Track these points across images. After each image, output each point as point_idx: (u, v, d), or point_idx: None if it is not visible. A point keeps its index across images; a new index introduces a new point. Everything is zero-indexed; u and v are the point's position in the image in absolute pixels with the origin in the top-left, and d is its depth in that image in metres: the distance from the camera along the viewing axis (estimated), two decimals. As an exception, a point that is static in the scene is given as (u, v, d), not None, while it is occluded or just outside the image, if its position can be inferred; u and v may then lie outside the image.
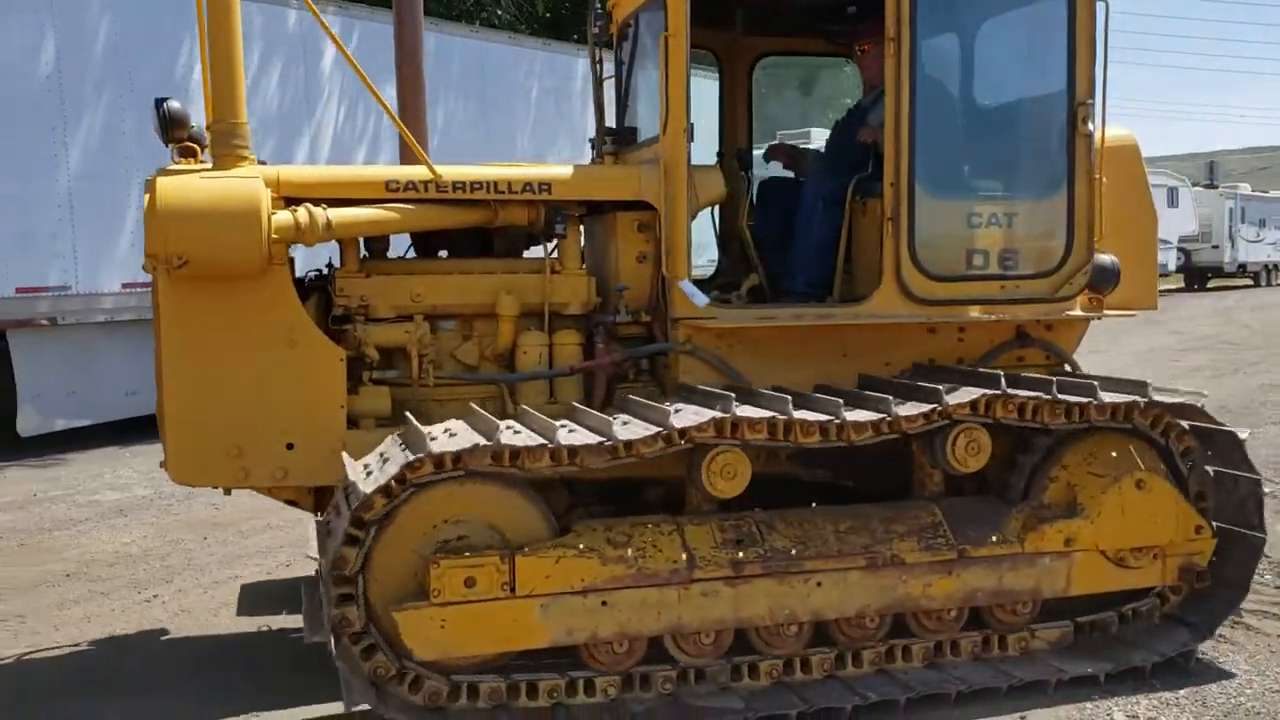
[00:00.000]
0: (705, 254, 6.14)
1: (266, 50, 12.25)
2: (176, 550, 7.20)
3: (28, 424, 10.36)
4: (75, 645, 5.45)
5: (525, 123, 15.07)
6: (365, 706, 3.97)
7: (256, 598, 6.02)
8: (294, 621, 5.33)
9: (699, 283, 5.85)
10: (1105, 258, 5.12)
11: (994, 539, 4.61)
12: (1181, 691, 4.55)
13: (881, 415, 4.39)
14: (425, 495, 4.09)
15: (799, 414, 4.32)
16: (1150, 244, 5.55)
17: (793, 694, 4.40)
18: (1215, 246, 37.67)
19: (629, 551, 4.26)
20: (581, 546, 4.22)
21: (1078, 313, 5.17)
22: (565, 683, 4.26)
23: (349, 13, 13.18)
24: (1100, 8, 4.90)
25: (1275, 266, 40.64)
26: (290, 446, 4.60)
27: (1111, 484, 4.68)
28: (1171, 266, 35.96)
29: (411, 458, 3.98)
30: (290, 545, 7.11)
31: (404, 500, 4.05)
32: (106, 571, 6.80)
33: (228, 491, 4.82)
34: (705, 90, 6.56)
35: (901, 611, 4.57)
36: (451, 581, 4.04)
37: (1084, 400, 4.55)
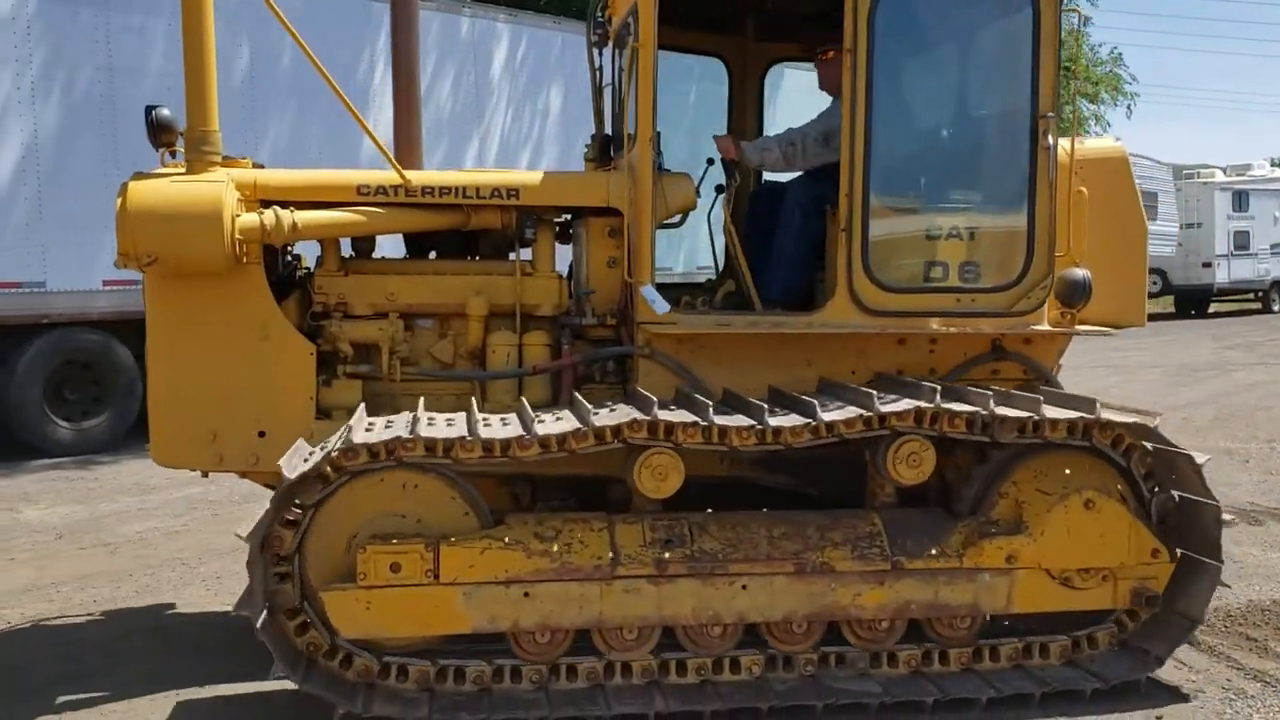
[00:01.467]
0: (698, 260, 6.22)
1: (441, 57, 12.90)
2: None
3: None
4: None
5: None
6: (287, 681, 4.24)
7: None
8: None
9: (695, 288, 6.00)
10: (1077, 272, 5.02)
11: (932, 552, 4.59)
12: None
13: (759, 426, 4.41)
14: (358, 483, 4.35)
15: (719, 419, 4.40)
16: (1139, 258, 5.39)
17: (982, 680, 4.62)
18: None
19: (554, 546, 4.43)
20: (507, 539, 4.41)
21: (1044, 327, 5.06)
22: (492, 669, 4.46)
23: (518, 20, 13.77)
24: (1071, 17, 4.80)
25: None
26: (262, 434, 4.92)
27: (1057, 502, 4.60)
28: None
29: (340, 447, 4.23)
30: None
31: (338, 486, 4.32)
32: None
33: (205, 474, 5.18)
34: (710, 96, 6.67)
35: (830, 619, 4.59)
36: (377, 566, 4.29)
37: (1025, 415, 4.48)
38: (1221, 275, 29.66)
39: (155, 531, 7.82)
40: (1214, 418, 12.07)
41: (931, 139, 5.24)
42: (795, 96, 6.75)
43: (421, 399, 4.87)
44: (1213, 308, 32.02)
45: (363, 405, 4.76)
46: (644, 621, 4.49)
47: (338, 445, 4.22)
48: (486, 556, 4.37)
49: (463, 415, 4.65)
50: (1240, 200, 30.06)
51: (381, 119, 12.11)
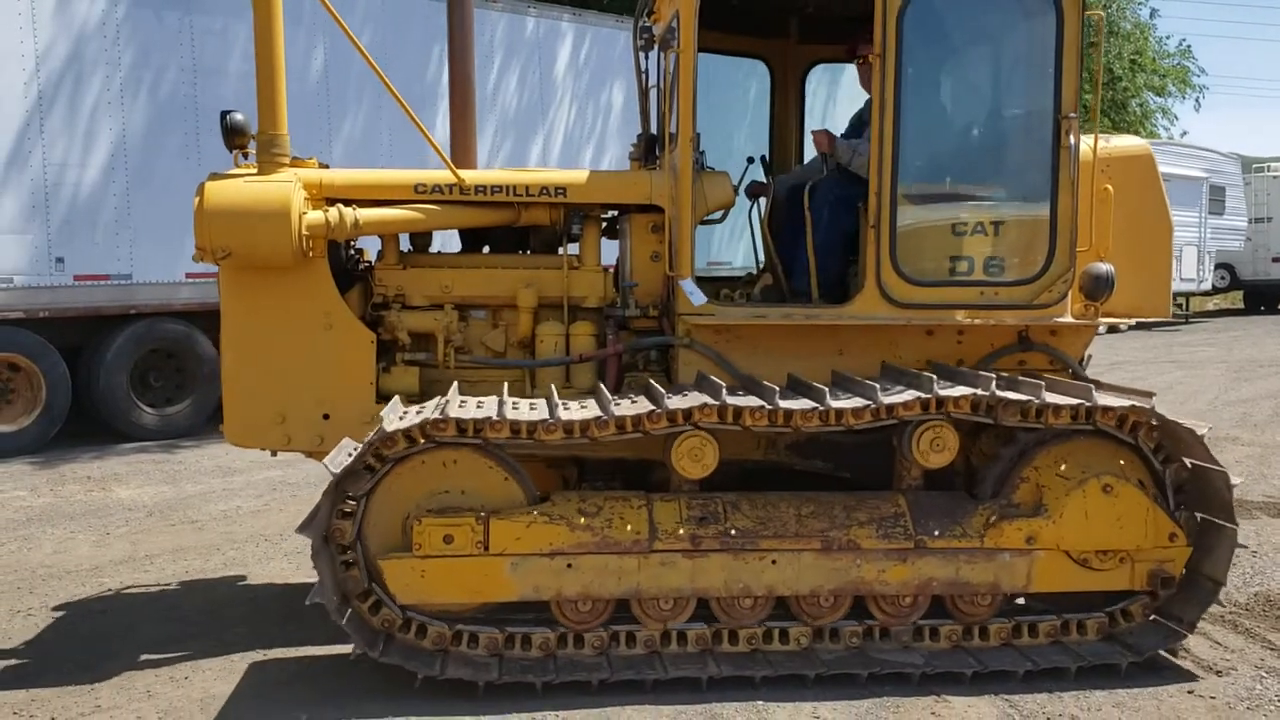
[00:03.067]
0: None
1: (507, 55, 13.34)
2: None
3: None
4: None
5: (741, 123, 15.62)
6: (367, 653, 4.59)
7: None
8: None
9: (736, 281, 6.27)
10: (1100, 266, 5.20)
11: (954, 532, 4.83)
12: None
13: (816, 406, 4.68)
14: (407, 465, 4.70)
15: (731, 400, 4.67)
16: (1164, 253, 5.54)
17: (1020, 655, 4.86)
18: None
19: (596, 521, 4.75)
20: (553, 514, 4.74)
21: (1067, 319, 5.25)
22: (556, 636, 4.79)
23: (582, 20, 14.15)
24: (1092, 20, 4.99)
25: None
26: (326, 417, 5.32)
27: (1076, 487, 4.80)
28: None
29: (374, 439, 4.56)
30: None
31: (386, 472, 4.67)
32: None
33: (274, 453, 5.58)
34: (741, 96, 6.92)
35: (855, 594, 4.85)
36: (432, 537, 4.64)
37: (1027, 399, 4.69)
38: None
39: (239, 510, 8.30)
40: (1273, 413, 12.03)
41: (957, 138, 5.44)
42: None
43: (455, 384, 5.18)
44: (1282, 304, 31.45)
45: (397, 398, 5.06)
46: (678, 593, 4.79)
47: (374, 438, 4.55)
48: (533, 530, 4.70)
49: (541, 401, 4.99)
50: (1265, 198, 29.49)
51: (449, 117, 12.63)
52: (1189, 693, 4.64)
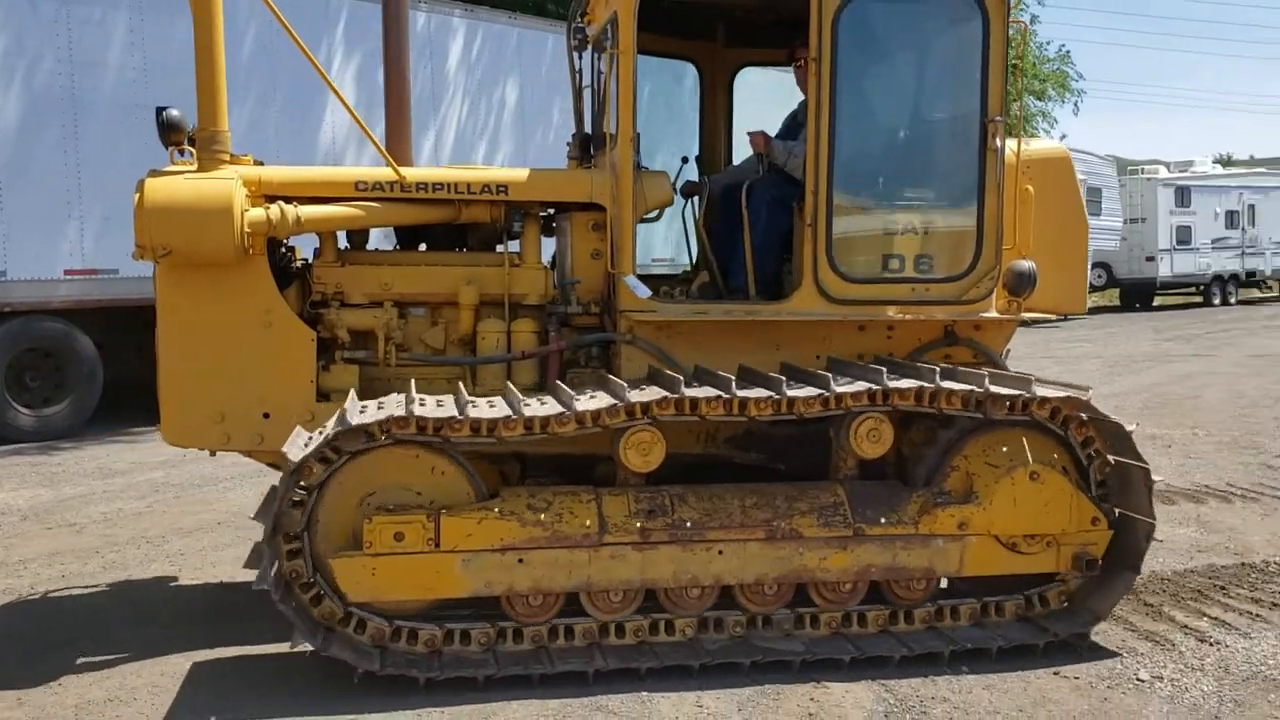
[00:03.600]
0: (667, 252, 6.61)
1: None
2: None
3: None
4: (230, 579, 6.33)
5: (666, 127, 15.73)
6: (308, 647, 4.58)
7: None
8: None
9: (671, 279, 6.38)
10: (1023, 263, 5.45)
11: (890, 520, 5.01)
12: (1208, 659, 4.95)
13: (773, 395, 4.83)
14: (361, 461, 4.69)
15: (690, 392, 4.79)
16: (1081, 251, 5.84)
17: (897, 641, 5.00)
18: None
19: (546, 516, 4.80)
20: (502, 510, 4.78)
21: (992, 314, 5.49)
22: (496, 631, 4.82)
23: (474, 15, 14.06)
24: (1015, 29, 5.22)
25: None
26: (266, 416, 5.26)
27: (1004, 474, 5.03)
28: (1268, 270, 34.90)
29: (338, 429, 4.57)
30: None
31: (341, 466, 4.66)
32: (251, 522, 7.47)
33: (213, 454, 5.50)
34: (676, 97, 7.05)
35: (798, 581, 5.00)
36: (382, 535, 4.64)
37: (970, 389, 4.91)
38: (1164, 269, 30.59)
39: (120, 513, 8.11)
40: (1144, 405, 12.64)
41: (890, 140, 5.65)
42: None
43: (412, 381, 5.19)
44: (1156, 301, 32.96)
45: (353, 393, 5.07)
46: (628, 585, 4.87)
47: (338, 429, 4.55)
48: (484, 526, 4.73)
49: (498, 398, 5.04)
50: (1182, 196, 30.99)
51: (338, 108, 12.43)
52: (1055, 674, 4.82)
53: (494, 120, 14.59)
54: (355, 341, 5.49)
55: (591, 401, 4.77)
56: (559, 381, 5.25)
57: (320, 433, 4.66)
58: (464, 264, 5.63)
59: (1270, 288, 35.48)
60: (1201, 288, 32.50)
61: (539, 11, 19.06)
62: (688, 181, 6.29)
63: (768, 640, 4.96)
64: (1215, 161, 41.35)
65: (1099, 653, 5.03)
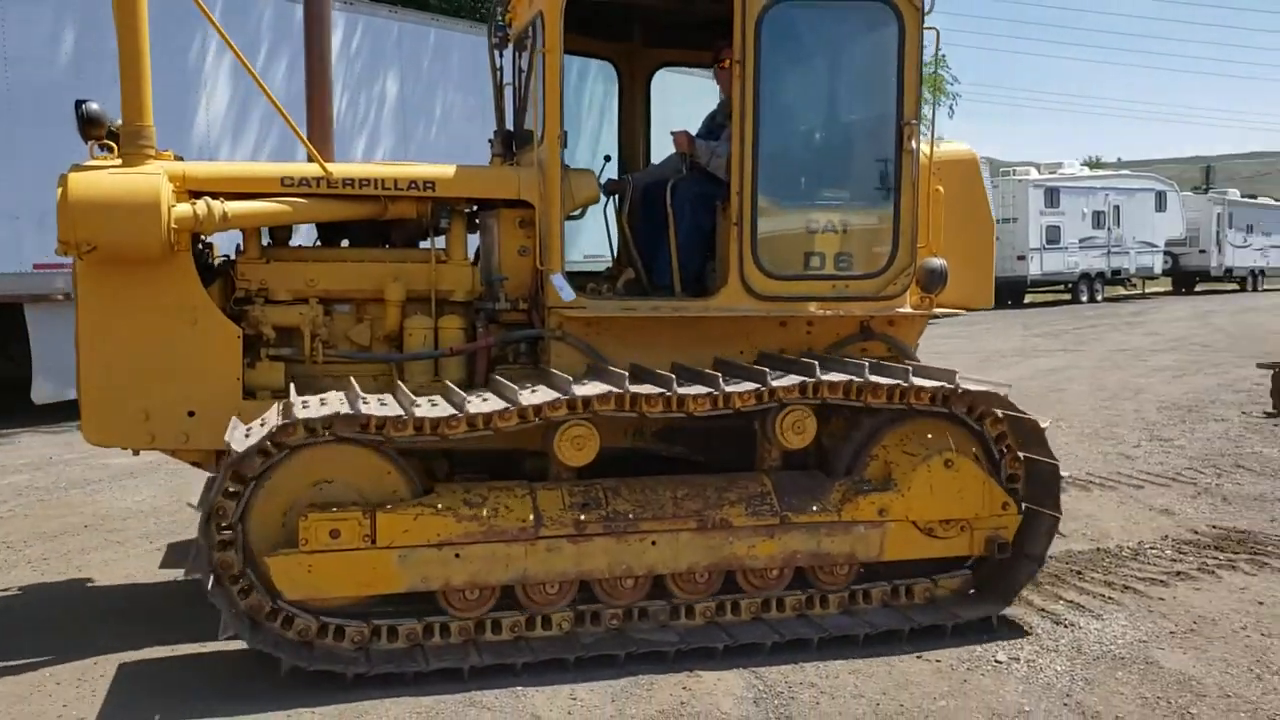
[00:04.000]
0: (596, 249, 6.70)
1: (275, 42, 12.91)
2: (185, 508, 7.74)
3: (42, 393, 11.02)
4: (94, 583, 6.18)
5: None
6: (236, 638, 4.55)
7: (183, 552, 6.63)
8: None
9: (593, 275, 6.46)
10: (935, 261, 5.69)
11: (814, 508, 5.19)
12: (1062, 640, 5.16)
13: (712, 391, 4.97)
14: (299, 456, 4.68)
15: (634, 388, 4.89)
16: (987, 250, 6.11)
17: (769, 628, 5.09)
18: (1203, 251, 38.26)
19: (482, 511, 4.85)
20: (439, 505, 4.81)
21: (907, 310, 5.73)
22: (423, 626, 4.85)
23: (354, 9, 13.84)
24: (930, 35, 5.45)
25: (1261, 272, 41.14)
26: (192, 414, 5.19)
27: (921, 462, 5.25)
28: (1159, 269, 36.61)
29: (283, 422, 4.57)
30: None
31: (279, 460, 4.64)
32: (120, 524, 7.46)
33: (136, 453, 5.40)
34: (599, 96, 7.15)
35: (728, 569, 5.14)
36: (318, 532, 4.64)
37: (894, 384, 5.11)
38: (1034, 268, 31.80)
39: None
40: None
41: (810, 141, 5.83)
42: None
43: (352, 379, 5.19)
44: (1027, 298, 34.22)
45: (292, 386, 5.07)
46: (564, 576, 4.95)
47: (282, 422, 4.55)
48: (420, 522, 4.76)
49: (437, 396, 5.06)
50: (1052, 197, 32.25)
51: (213, 101, 12.18)
52: (918, 657, 4.98)
53: (374, 114, 14.42)
54: (281, 338, 5.45)
55: (535, 396, 4.83)
56: (498, 376, 5.29)
57: (262, 423, 4.63)
58: (391, 260, 5.63)
59: (1134, 285, 37.13)
60: (1070, 285, 33.85)
61: (422, 6, 18.91)
62: (609, 180, 6.38)
63: (643, 632, 5.02)
64: (1084, 164, 43.11)
65: (962, 637, 5.17)
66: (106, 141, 5.09)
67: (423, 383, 5.51)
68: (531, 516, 4.90)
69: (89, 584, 6.17)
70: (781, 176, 5.58)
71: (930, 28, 5.42)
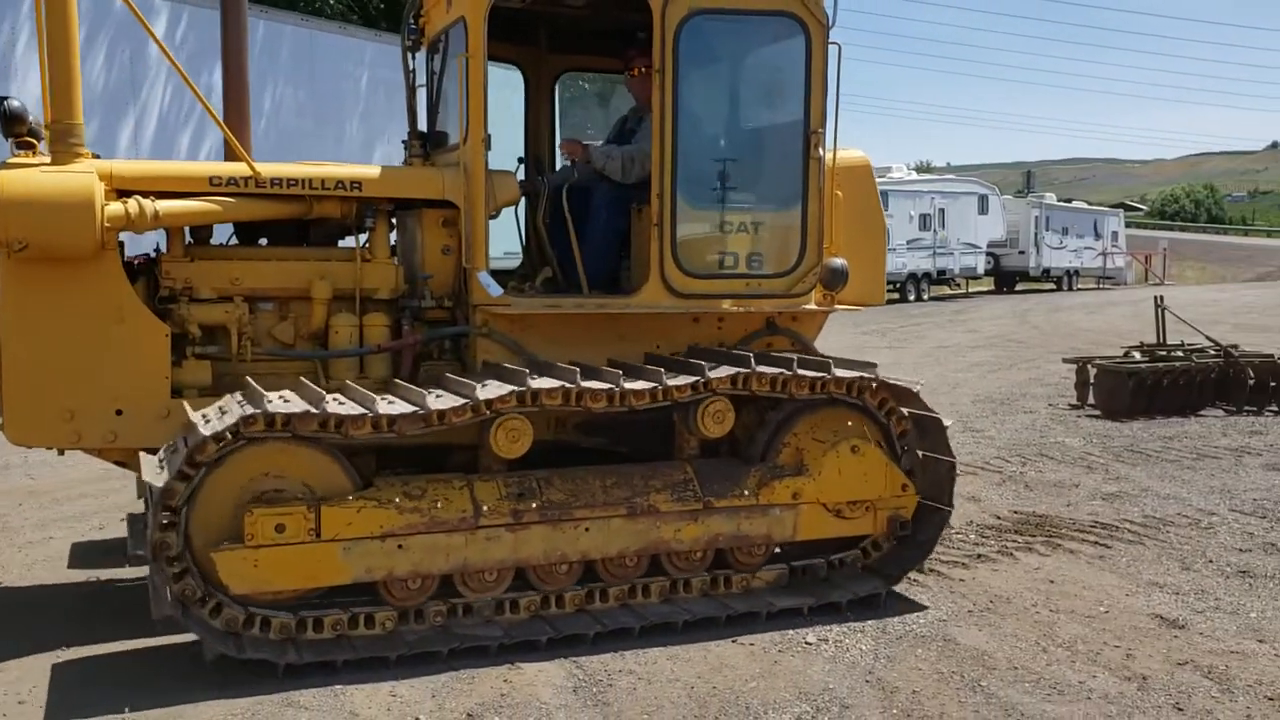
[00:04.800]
0: (505, 248, 6.88)
1: (91, 31, 12.43)
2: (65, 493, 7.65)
3: None
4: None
5: (354, 112, 15.55)
6: (168, 614, 4.54)
7: (87, 553, 6.52)
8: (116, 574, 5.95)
9: (505, 274, 6.64)
10: (836, 261, 6.09)
11: (734, 492, 5.51)
12: (869, 622, 5.46)
13: (655, 385, 5.24)
14: (251, 449, 4.73)
15: (587, 384, 5.14)
16: (879, 250, 6.56)
17: (592, 619, 5.21)
18: (1022, 252, 40.26)
19: (423, 503, 4.99)
20: (380, 498, 4.93)
21: (812, 306, 6.12)
22: (348, 617, 4.93)
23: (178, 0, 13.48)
24: (833, 50, 5.83)
25: (1075, 272, 43.61)
26: (119, 413, 5.16)
27: (830, 449, 5.63)
28: (981, 270, 38.49)
29: (251, 412, 4.61)
30: (103, 511, 7.55)
31: (234, 449, 4.68)
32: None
33: (61, 452, 5.33)
34: (508, 100, 7.31)
35: (656, 552, 5.41)
36: (264, 527, 4.70)
37: (819, 376, 5.49)
38: None
39: None
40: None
41: (726, 148, 6.14)
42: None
43: (301, 378, 5.23)
44: (858, 297, 35.42)
45: (249, 379, 5.08)
46: (502, 564, 5.14)
47: (249, 411, 4.60)
48: (363, 515, 4.87)
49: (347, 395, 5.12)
50: (882, 200, 33.55)
51: (25, 89, 11.79)
52: (733, 642, 5.17)
53: (199, 108, 14.13)
54: (206, 337, 5.45)
55: (496, 388, 5.01)
56: (448, 374, 5.43)
57: (225, 412, 4.67)
58: (316, 259, 5.69)
59: (958, 285, 38.96)
60: (898, 285, 35.33)
61: None
62: (522, 181, 6.57)
63: (467, 628, 5.07)
64: (914, 169, 45.00)
65: (776, 622, 5.38)
66: (28, 139, 5.02)
67: (349, 379, 5.59)
68: (470, 507, 5.07)
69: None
70: (698, 180, 5.87)
71: (833, 43, 5.79)
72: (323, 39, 14.65)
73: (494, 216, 6.06)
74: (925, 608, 5.68)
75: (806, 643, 5.19)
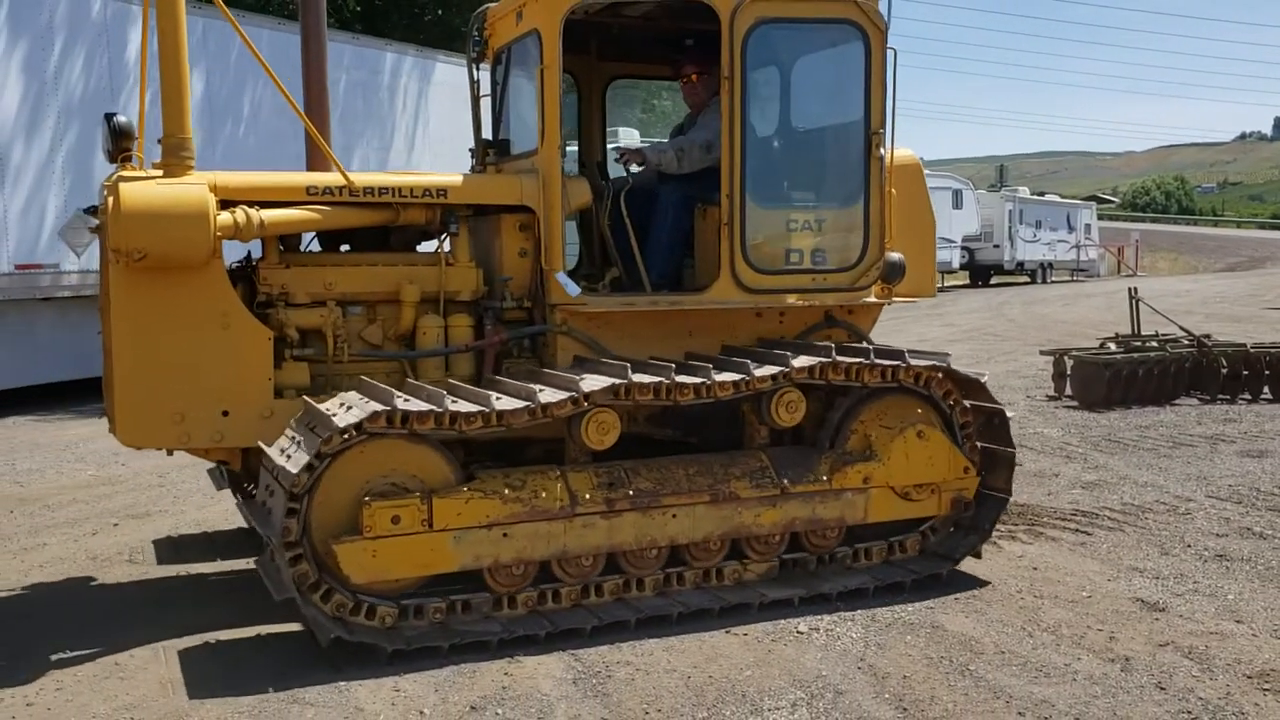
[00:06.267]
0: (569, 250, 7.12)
1: (70, 37, 12.61)
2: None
3: None
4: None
5: (333, 115, 15.69)
6: (289, 596, 4.79)
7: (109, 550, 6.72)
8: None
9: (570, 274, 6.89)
10: (894, 255, 6.37)
11: (808, 478, 5.79)
12: (858, 611, 5.56)
13: (743, 376, 5.52)
14: (371, 444, 4.96)
15: (680, 378, 5.42)
16: (930, 244, 6.84)
17: (589, 613, 5.33)
18: (996, 246, 40.67)
19: (524, 493, 5.25)
20: (486, 489, 5.18)
21: (873, 300, 6.41)
22: (447, 605, 5.13)
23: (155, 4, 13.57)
24: (890, 54, 6.12)
25: (1049, 265, 44.15)
26: (226, 414, 5.39)
27: (898, 434, 5.92)
28: (956, 264, 38.92)
29: (380, 409, 4.87)
30: (95, 517, 7.73)
31: (356, 443, 4.90)
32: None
33: (169, 453, 5.54)
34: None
35: (737, 536, 5.68)
36: (381, 519, 4.94)
37: (897, 365, 5.80)
38: None
39: None
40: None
41: (789, 149, 6.44)
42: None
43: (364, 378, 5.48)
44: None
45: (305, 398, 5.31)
46: (598, 550, 5.39)
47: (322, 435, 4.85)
48: (471, 505, 5.12)
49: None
50: None
51: (1, 102, 11.90)
52: (727, 632, 5.27)
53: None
54: (302, 339, 5.68)
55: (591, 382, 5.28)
56: (556, 369, 5.73)
57: (348, 407, 4.93)
58: (403, 264, 5.93)
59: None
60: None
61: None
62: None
63: (466, 624, 5.17)
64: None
65: (767, 612, 5.50)
66: (132, 152, 5.24)
67: (436, 379, 5.83)
68: (567, 496, 5.32)
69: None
70: (765, 180, 6.15)
71: (890, 48, 6.08)
72: (297, 42, 14.73)
73: (570, 220, 6.34)
74: (912, 596, 5.78)
75: (799, 632, 5.31)
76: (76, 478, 8.95)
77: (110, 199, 4.96)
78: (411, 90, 17.19)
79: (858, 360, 5.72)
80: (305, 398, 5.34)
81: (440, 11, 23.34)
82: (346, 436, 4.84)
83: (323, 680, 4.72)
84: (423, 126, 17.39)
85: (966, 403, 6.09)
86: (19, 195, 12.15)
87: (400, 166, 16.07)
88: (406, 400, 5.02)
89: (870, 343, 6.53)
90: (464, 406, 5.05)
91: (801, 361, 5.62)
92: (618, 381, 5.26)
